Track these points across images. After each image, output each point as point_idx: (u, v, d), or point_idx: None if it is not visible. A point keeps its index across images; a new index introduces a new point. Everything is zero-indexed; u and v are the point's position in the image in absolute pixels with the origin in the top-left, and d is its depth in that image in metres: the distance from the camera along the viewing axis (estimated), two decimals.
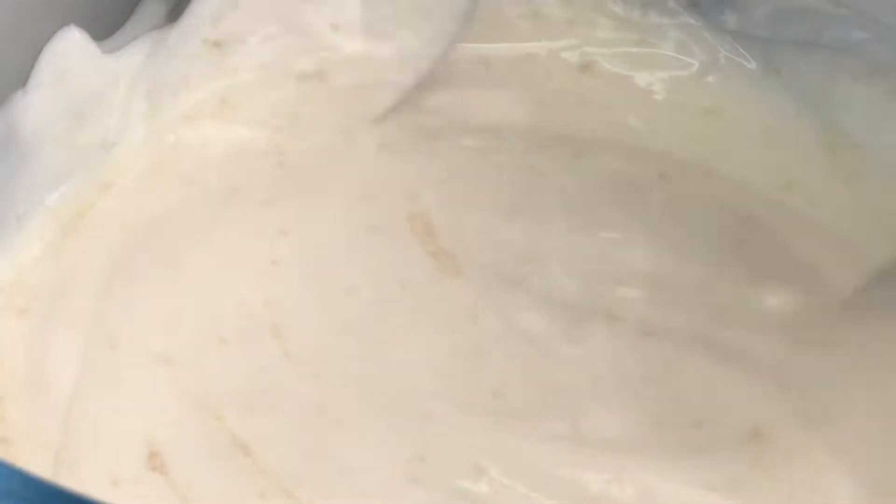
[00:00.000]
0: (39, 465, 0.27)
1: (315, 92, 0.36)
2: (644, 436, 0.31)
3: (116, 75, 0.33)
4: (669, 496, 0.30)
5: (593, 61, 0.38)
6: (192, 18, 0.34)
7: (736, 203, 0.35)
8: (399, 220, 0.34)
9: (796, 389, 0.32)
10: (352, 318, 0.32)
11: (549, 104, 0.38)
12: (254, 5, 0.35)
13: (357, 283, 0.33)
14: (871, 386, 0.32)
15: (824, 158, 0.36)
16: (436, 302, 0.33)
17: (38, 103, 0.31)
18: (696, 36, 0.38)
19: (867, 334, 0.32)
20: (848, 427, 0.31)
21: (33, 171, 0.31)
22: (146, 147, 0.34)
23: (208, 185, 0.34)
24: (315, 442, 0.30)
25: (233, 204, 0.34)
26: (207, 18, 0.34)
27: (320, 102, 0.36)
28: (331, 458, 0.30)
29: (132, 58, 0.33)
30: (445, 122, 0.37)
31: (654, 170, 0.36)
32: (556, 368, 0.32)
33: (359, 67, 0.37)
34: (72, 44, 0.32)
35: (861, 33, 0.37)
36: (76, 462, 0.28)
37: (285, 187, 0.35)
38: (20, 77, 0.31)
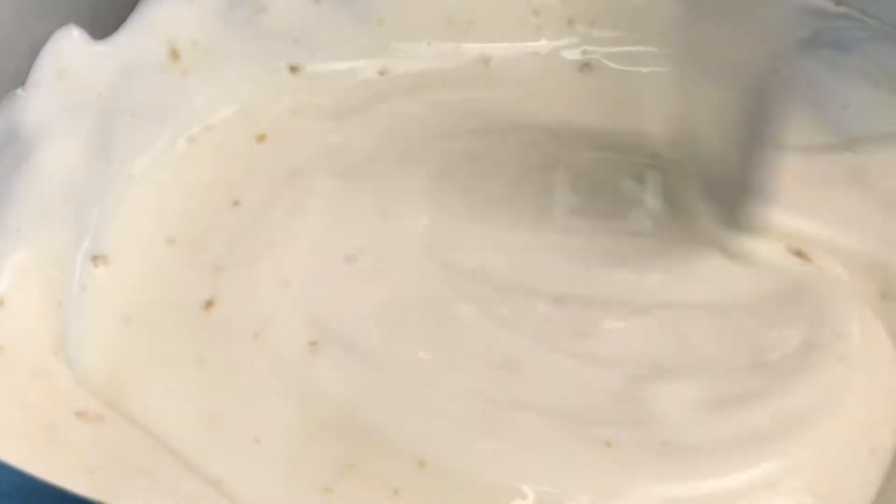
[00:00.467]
0: None
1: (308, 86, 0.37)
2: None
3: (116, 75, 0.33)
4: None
5: (594, 59, 0.39)
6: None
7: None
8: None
9: None
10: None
11: (549, 101, 0.38)
12: None
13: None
14: None
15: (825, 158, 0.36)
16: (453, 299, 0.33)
17: (38, 103, 0.31)
18: None
19: None
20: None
21: (33, 171, 0.31)
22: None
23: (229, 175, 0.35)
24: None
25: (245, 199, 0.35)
26: None
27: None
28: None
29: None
30: (446, 119, 0.37)
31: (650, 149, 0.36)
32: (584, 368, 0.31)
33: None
34: (71, 43, 0.32)
35: (861, 33, 0.37)
36: None
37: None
38: (20, 77, 0.31)
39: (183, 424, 0.30)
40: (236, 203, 0.34)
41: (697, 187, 0.35)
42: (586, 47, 0.39)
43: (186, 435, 0.29)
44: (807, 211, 0.34)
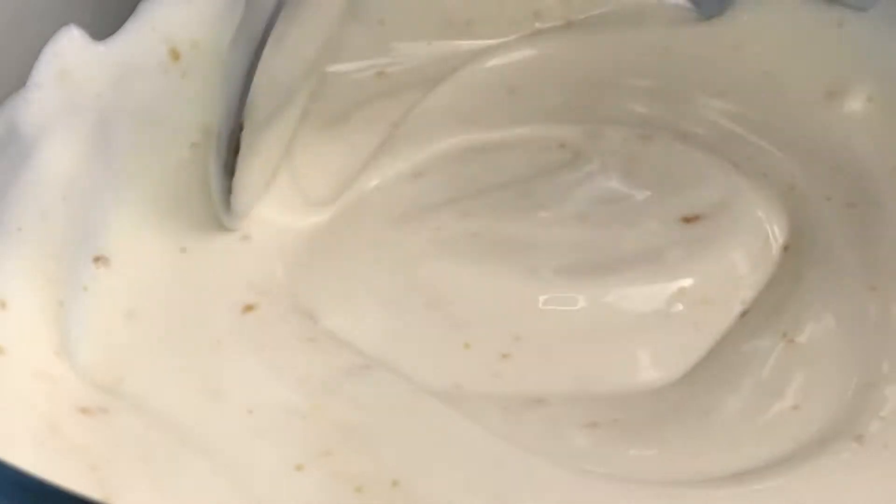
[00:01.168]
0: None
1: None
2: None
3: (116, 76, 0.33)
4: None
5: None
6: None
7: None
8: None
9: None
10: None
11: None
12: None
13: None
14: None
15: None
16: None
17: (38, 103, 0.31)
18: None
19: None
20: None
21: (34, 171, 0.31)
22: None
23: None
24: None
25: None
26: None
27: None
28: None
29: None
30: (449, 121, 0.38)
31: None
32: None
33: None
34: (72, 44, 0.32)
35: None
36: None
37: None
38: (20, 77, 0.31)
39: (182, 402, 0.30)
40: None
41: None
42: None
43: (186, 410, 0.30)
44: None
